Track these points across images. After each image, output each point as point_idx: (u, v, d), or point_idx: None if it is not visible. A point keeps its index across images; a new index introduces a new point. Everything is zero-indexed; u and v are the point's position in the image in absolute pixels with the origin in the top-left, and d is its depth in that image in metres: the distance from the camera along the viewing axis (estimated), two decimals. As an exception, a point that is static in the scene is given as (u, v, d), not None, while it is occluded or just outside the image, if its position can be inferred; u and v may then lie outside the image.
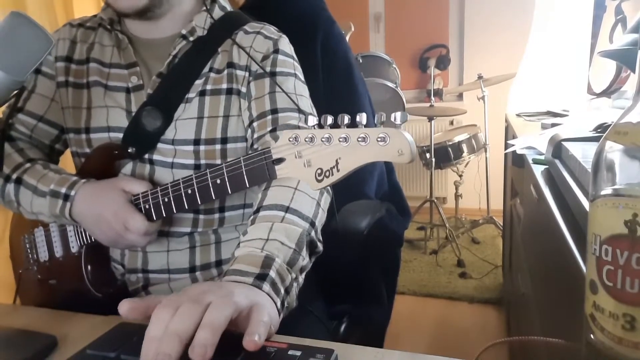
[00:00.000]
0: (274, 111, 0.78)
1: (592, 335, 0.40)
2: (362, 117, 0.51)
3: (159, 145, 0.81)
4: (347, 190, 0.96)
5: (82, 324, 0.59)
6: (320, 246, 0.69)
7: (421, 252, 2.93)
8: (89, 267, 0.83)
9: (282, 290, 0.56)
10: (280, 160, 0.59)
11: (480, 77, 2.87)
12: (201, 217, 0.83)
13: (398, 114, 0.49)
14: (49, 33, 0.60)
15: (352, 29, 2.76)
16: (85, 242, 0.83)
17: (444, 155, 2.87)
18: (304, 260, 0.63)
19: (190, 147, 0.80)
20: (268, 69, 0.81)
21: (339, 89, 1.10)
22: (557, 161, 0.91)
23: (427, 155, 2.86)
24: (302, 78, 0.85)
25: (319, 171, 0.55)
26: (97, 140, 0.83)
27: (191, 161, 0.81)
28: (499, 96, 3.02)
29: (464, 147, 2.86)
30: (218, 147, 0.81)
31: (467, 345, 1.97)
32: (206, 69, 0.82)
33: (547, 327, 0.84)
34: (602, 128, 1.04)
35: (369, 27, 3.69)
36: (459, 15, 3.48)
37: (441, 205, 3.28)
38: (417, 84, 3.66)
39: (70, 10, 1.58)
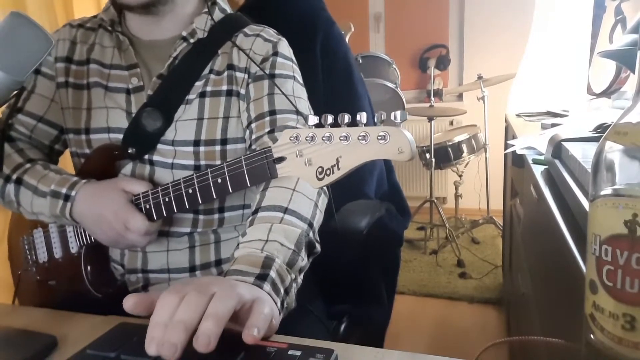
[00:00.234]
0: (272, 112, 0.79)
1: (592, 335, 0.40)
2: (362, 116, 0.51)
3: (159, 146, 0.81)
4: (347, 190, 0.96)
5: (82, 324, 0.59)
6: (318, 247, 0.69)
7: (421, 252, 2.93)
8: (89, 267, 0.83)
9: (282, 291, 0.57)
10: (281, 159, 0.59)
11: (480, 78, 2.87)
12: (201, 217, 0.83)
13: (398, 113, 0.49)
14: (49, 33, 0.60)
15: (352, 29, 2.77)
16: (85, 243, 0.83)
17: (444, 156, 2.87)
18: (303, 260, 0.64)
19: (190, 148, 0.80)
20: (267, 71, 0.81)
21: (338, 89, 1.10)
22: (557, 161, 0.91)
23: (427, 155, 2.86)
24: (301, 80, 0.85)
25: (320, 170, 0.55)
26: (97, 140, 0.83)
27: (191, 162, 0.81)
28: (499, 96, 3.02)
29: (464, 147, 2.86)
30: (218, 148, 0.81)
31: (467, 345, 1.97)
32: (206, 71, 0.82)
33: (547, 327, 0.84)
34: (602, 128, 1.04)
35: (369, 27, 3.69)
36: (459, 15, 3.48)
37: (441, 205, 3.28)
38: (417, 84, 3.66)
39: (70, 11, 1.58)
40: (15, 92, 0.60)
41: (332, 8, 1.13)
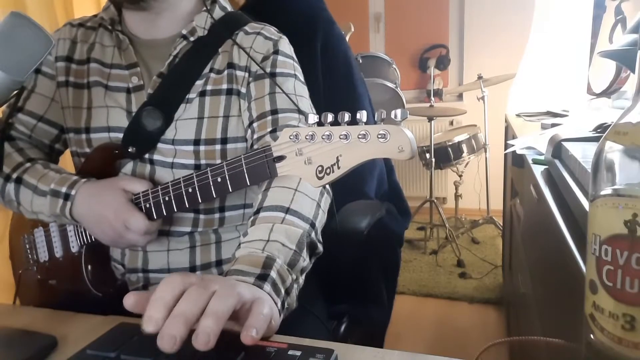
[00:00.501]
0: (274, 112, 0.78)
1: (592, 335, 0.40)
2: (362, 115, 0.51)
3: (159, 145, 0.81)
4: (347, 190, 0.96)
5: (82, 324, 0.59)
6: (320, 247, 0.69)
7: (421, 252, 2.93)
8: (89, 266, 0.83)
9: (283, 291, 0.56)
10: (281, 158, 0.59)
11: (480, 77, 2.87)
12: (201, 216, 0.83)
13: (398, 111, 0.49)
14: (49, 33, 0.60)
15: (352, 29, 2.76)
16: (86, 242, 0.83)
17: (444, 156, 2.87)
18: (305, 261, 0.63)
19: (190, 147, 0.80)
20: (268, 69, 0.81)
21: (339, 89, 1.10)
22: (557, 161, 0.91)
23: (427, 155, 2.87)
24: (302, 79, 0.85)
25: (320, 168, 0.55)
26: (97, 140, 0.83)
27: (191, 161, 0.81)
28: (499, 96, 3.02)
29: (464, 147, 2.86)
30: (218, 147, 0.81)
31: (467, 345, 1.97)
32: (206, 70, 0.82)
33: (547, 327, 0.84)
34: (602, 128, 1.04)
35: (369, 27, 3.69)
36: (459, 15, 3.48)
37: (441, 205, 3.28)
38: (417, 84, 3.66)
39: (70, 10, 1.58)
40: (15, 91, 0.60)
41: (332, 8, 1.13)
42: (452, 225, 3.11)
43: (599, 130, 1.03)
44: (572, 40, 2.51)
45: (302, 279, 0.63)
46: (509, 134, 1.96)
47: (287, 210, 0.67)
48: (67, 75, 0.86)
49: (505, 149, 1.97)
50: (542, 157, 1.04)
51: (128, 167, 0.82)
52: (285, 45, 0.85)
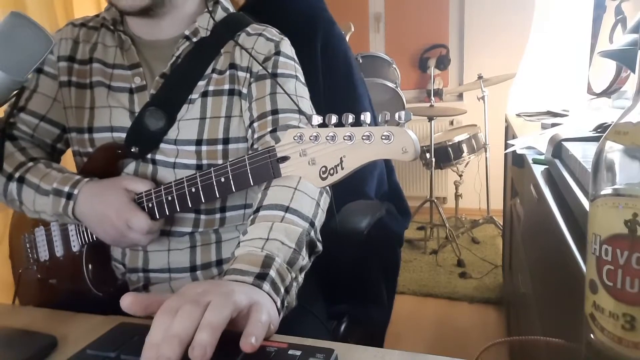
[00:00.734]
0: (275, 112, 0.78)
1: (592, 335, 0.40)
2: (366, 116, 0.51)
3: (162, 145, 0.81)
4: (347, 190, 0.96)
5: (82, 324, 0.59)
6: (319, 246, 0.69)
7: (421, 252, 2.93)
8: (90, 266, 0.83)
9: (282, 290, 0.56)
10: (284, 159, 0.59)
11: (480, 77, 2.87)
12: (202, 217, 0.83)
13: (402, 113, 0.50)
14: (49, 33, 0.60)
15: (352, 29, 2.77)
16: (87, 241, 0.83)
17: (444, 155, 2.87)
18: (304, 260, 0.63)
19: (193, 148, 0.80)
20: (269, 70, 0.81)
21: (339, 89, 1.10)
22: (557, 161, 0.91)
23: (427, 155, 2.86)
24: (303, 80, 0.85)
25: (323, 169, 0.55)
26: (99, 140, 0.83)
27: (193, 161, 0.81)
28: (499, 96, 3.02)
29: (464, 147, 2.86)
30: (220, 147, 0.81)
31: (467, 345, 1.97)
32: (209, 70, 0.82)
33: (547, 327, 0.84)
34: (602, 128, 1.04)
35: (369, 27, 3.69)
36: (459, 15, 3.48)
37: (441, 205, 3.28)
38: (417, 84, 3.66)
39: (70, 11, 1.58)
40: (15, 91, 0.60)
41: (332, 8, 1.13)
42: (452, 225, 3.11)
43: (599, 130, 1.03)
44: (572, 40, 2.51)
45: (301, 278, 0.63)
46: (509, 133, 1.96)
47: (287, 209, 0.67)
48: (70, 75, 0.86)
49: (506, 149, 1.97)
50: (542, 157, 1.04)
51: (130, 167, 0.82)
52: (287, 47, 0.85)
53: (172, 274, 0.83)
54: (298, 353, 0.44)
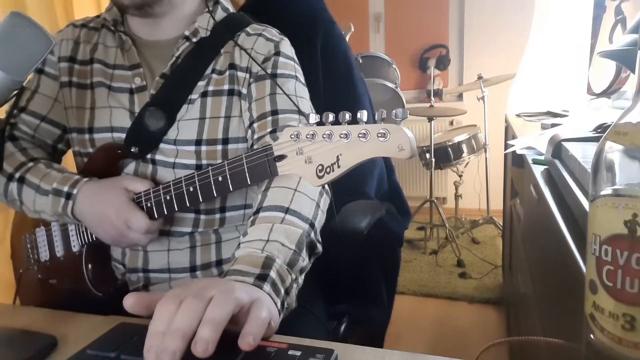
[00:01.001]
0: (274, 112, 0.79)
1: (592, 335, 0.40)
2: (362, 114, 0.51)
3: (162, 145, 0.81)
4: (347, 190, 0.96)
5: (82, 324, 0.59)
6: (319, 247, 0.69)
7: (421, 252, 2.93)
8: (90, 266, 0.83)
9: (282, 291, 0.56)
10: (281, 157, 0.59)
11: (480, 77, 2.87)
12: (202, 217, 0.83)
13: (399, 111, 0.49)
14: (49, 33, 0.60)
15: (352, 29, 2.77)
16: (87, 241, 0.83)
17: (444, 156, 2.87)
18: (304, 261, 0.63)
19: (192, 148, 0.80)
20: (269, 70, 0.81)
21: (339, 89, 1.10)
22: (557, 161, 0.91)
23: (427, 155, 2.87)
24: (303, 80, 0.85)
25: (320, 167, 0.55)
26: (100, 140, 0.84)
27: (193, 161, 0.81)
28: (499, 96, 3.02)
29: (464, 147, 2.86)
30: (219, 147, 0.81)
31: (467, 345, 1.97)
32: (208, 70, 0.82)
33: (547, 327, 0.84)
34: (602, 128, 1.04)
35: (369, 27, 3.69)
36: (459, 15, 3.48)
37: (441, 205, 3.28)
38: (417, 84, 3.66)
39: (70, 11, 1.58)
40: (15, 91, 0.60)
41: (332, 8, 1.13)
42: (452, 225, 3.11)
43: (599, 130, 1.03)
44: (572, 40, 2.51)
45: (301, 279, 0.63)
46: (509, 134, 1.96)
47: (287, 210, 0.67)
48: (71, 76, 0.86)
49: (505, 149, 1.97)
50: (542, 157, 1.04)
51: (130, 167, 0.82)
52: (287, 47, 0.85)
53: (172, 274, 0.83)
54: (298, 353, 0.44)
